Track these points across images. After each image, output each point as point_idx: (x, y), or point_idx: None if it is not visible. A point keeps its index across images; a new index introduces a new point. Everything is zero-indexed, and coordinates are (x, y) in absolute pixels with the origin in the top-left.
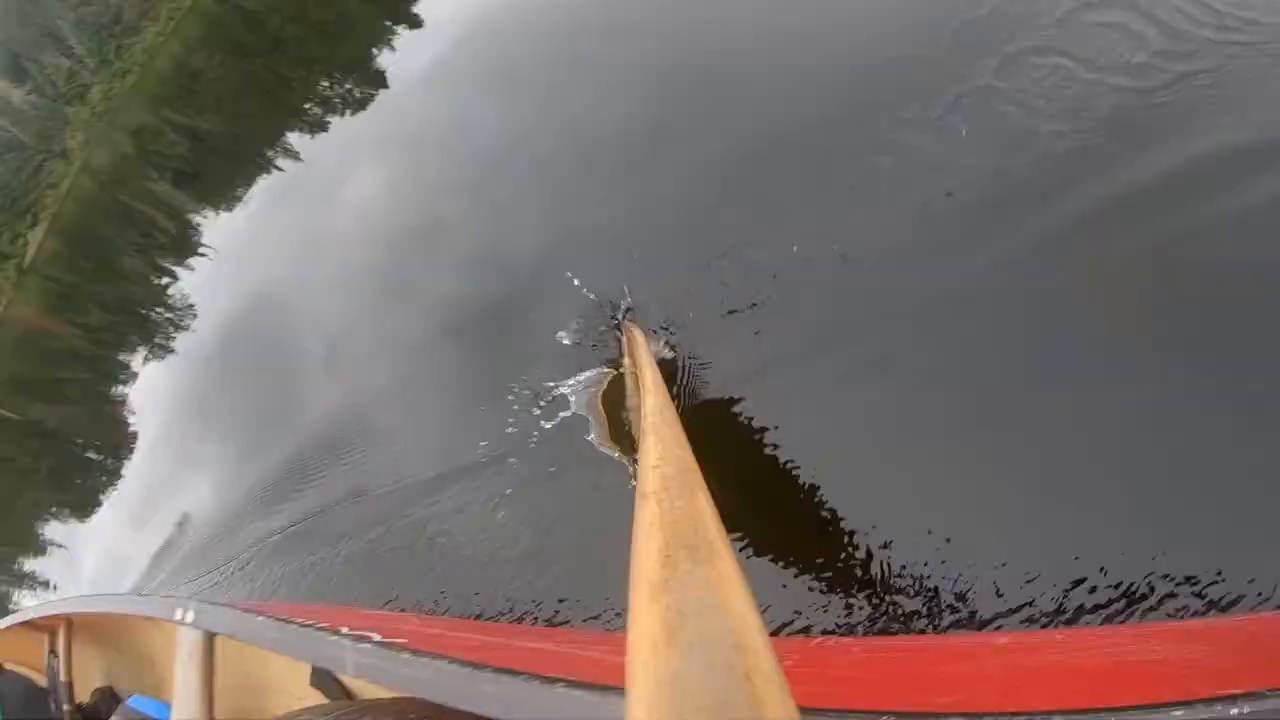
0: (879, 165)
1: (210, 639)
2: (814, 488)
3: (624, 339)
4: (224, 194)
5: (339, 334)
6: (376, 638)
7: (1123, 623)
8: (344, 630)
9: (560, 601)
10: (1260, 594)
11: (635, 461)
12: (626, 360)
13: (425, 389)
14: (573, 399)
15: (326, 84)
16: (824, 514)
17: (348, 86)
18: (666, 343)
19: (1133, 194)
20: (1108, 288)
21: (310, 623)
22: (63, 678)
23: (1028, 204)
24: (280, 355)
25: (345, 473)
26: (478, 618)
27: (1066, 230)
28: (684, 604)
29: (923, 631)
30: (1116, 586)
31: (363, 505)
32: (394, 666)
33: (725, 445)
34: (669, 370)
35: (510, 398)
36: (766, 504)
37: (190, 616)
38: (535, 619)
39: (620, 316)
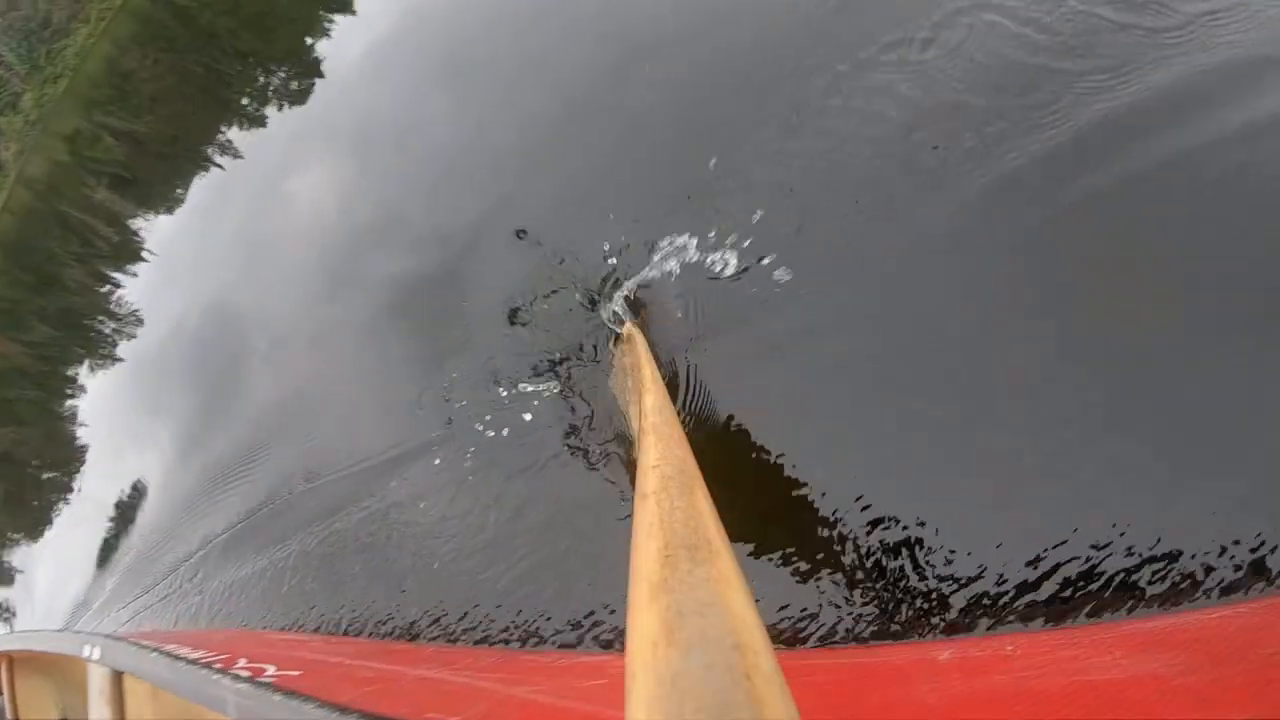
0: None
1: (119, 675)
2: (803, 482)
3: (621, 331)
4: (163, 196)
5: (290, 325)
6: (271, 670)
7: (1081, 623)
8: (240, 663)
9: (526, 598)
10: (1228, 582)
11: (611, 446)
12: (626, 358)
13: (381, 371)
14: (554, 382)
15: (264, 77)
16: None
17: (284, 78)
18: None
19: (1125, 135)
20: (1092, 242)
21: (203, 658)
22: (9, 714)
23: (1020, 135)
24: (226, 352)
25: (299, 464)
26: (439, 620)
27: (1067, 167)
28: (684, 604)
29: (869, 627)
30: (1082, 573)
31: (316, 499)
32: (267, 709)
33: (724, 442)
34: (664, 359)
35: (477, 380)
36: (761, 501)
37: (96, 654)
38: (494, 621)
39: (602, 293)
